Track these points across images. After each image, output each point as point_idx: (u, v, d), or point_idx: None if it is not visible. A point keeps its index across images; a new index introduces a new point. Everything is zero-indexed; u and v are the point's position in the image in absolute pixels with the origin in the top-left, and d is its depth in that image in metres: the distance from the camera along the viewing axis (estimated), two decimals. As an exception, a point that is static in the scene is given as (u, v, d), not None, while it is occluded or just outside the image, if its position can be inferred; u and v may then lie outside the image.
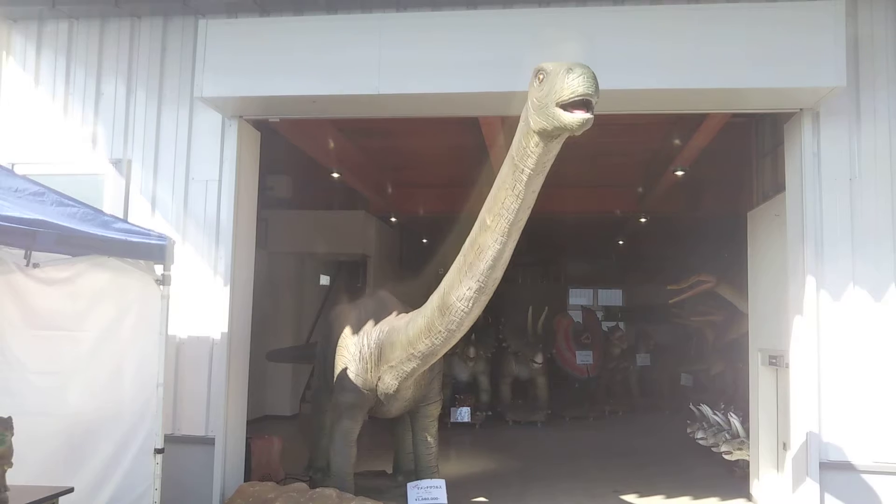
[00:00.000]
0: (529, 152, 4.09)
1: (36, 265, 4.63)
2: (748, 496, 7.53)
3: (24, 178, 4.69)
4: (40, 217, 4.19)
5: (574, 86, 3.55)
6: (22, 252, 4.22)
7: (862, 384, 5.79)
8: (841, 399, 5.81)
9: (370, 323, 6.42)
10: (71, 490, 4.45)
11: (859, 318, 5.86)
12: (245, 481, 6.59)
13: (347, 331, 6.55)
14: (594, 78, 3.57)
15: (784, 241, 6.32)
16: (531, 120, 3.91)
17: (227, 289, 6.47)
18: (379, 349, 6.17)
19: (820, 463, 5.78)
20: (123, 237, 4.91)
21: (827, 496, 5.76)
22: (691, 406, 9.42)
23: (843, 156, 6.05)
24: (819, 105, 6.02)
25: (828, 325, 5.89)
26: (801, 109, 6.10)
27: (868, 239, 5.92)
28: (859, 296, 5.88)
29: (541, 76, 3.80)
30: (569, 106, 3.61)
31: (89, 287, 5.10)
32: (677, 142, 9.36)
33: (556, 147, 4.05)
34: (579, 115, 3.60)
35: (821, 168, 6.06)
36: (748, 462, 7.69)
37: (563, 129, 3.73)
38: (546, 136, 3.91)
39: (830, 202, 6.00)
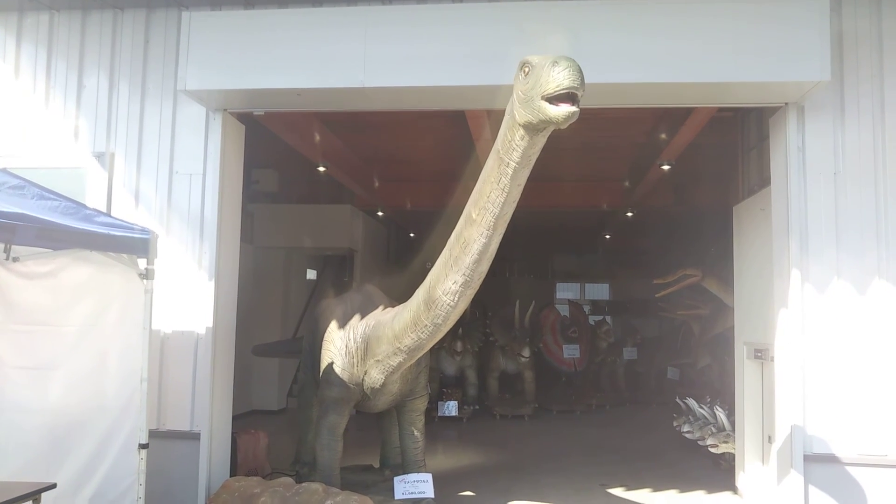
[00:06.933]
0: (515, 146, 4.07)
1: (16, 259, 4.59)
2: (734, 489, 7.58)
3: (3, 171, 4.61)
4: (20, 210, 4.14)
5: (560, 79, 3.52)
6: (1, 246, 4.17)
7: (846, 377, 5.83)
8: (825, 392, 5.85)
9: (356, 317, 6.40)
10: (53, 486, 4.41)
11: (843, 312, 5.89)
12: (231, 476, 6.55)
13: (334, 325, 6.52)
14: (580, 71, 3.54)
15: (769, 235, 6.34)
16: (516, 113, 3.89)
17: (212, 283, 6.42)
18: (365, 343, 6.15)
19: (804, 455, 5.81)
20: (106, 231, 4.85)
21: (811, 488, 5.80)
22: (677, 399, 9.47)
23: (827, 150, 6.07)
24: (804, 99, 6.05)
25: (812, 319, 5.92)
26: (786, 104, 6.12)
27: (852, 233, 5.95)
28: (843, 289, 5.91)
29: (526, 69, 3.77)
30: (554, 99, 3.59)
31: (71, 281, 5.06)
32: (663, 136, 9.37)
33: (541, 140, 4.04)
34: (565, 109, 3.58)
35: (805, 162, 6.08)
36: (734, 455, 7.74)
37: (549, 123, 3.71)
38: (531, 129, 3.89)
39: (815, 196, 6.03)
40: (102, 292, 5.22)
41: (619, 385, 15.25)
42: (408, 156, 11.78)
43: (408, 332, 5.47)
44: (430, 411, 10.36)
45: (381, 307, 6.42)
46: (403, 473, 6.65)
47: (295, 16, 6.29)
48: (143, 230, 5.20)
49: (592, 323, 15.88)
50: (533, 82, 3.66)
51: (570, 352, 14.31)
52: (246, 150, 7.09)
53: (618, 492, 7.61)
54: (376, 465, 7.64)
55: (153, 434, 5.46)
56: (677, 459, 9.17)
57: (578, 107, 3.61)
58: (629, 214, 13.97)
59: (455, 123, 8.60)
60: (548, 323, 14.63)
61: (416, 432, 6.80)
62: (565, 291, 22.90)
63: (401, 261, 16.94)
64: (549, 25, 5.81)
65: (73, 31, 6.93)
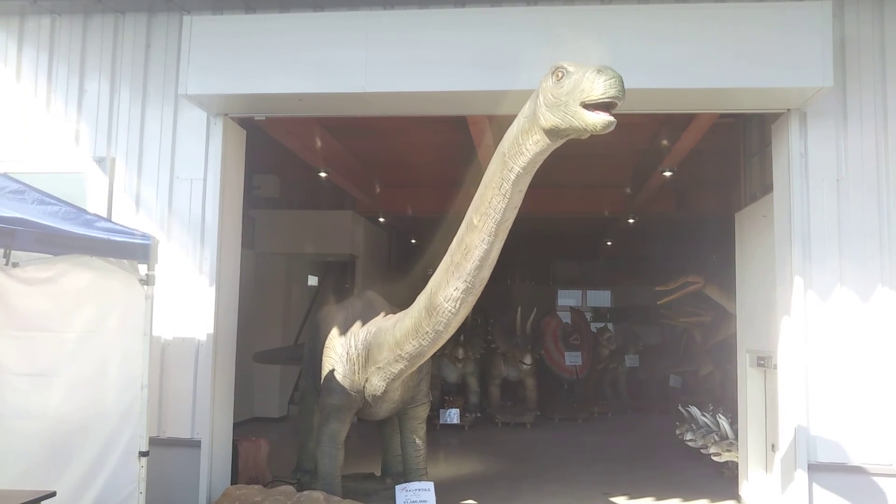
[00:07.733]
0: (525, 150, 4.05)
1: (16, 264, 4.56)
2: (737, 497, 7.53)
3: (3, 175, 4.60)
4: (20, 215, 4.12)
5: (605, 87, 3.52)
6: (0, 251, 4.15)
7: (850, 385, 5.79)
8: (829, 400, 5.81)
9: (358, 324, 6.37)
10: (53, 494, 4.37)
11: (847, 319, 5.86)
12: (231, 484, 6.52)
13: (335, 332, 6.50)
14: (623, 82, 3.55)
15: (772, 242, 6.32)
16: (542, 117, 3.85)
17: (213, 289, 6.40)
18: (366, 350, 6.13)
19: (808, 464, 5.77)
20: (106, 236, 4.84)
21: (815, 497, 5.76)
22: (680, 407, 9.42)
23: (830, 156, 6.06)
24: (806, 105, 6.03)
25: (815, 326, 5.89)
26: (788, 110, 6.11)
27: (855, 239, 5.92)
28: (846, 296, 5.88)
29: (559, 73, 3.74)
30: (591, 107, 3.59)
31: (72, 287, 5.03)
32: (665, 142, 9.37)
33: (553, 147, 4.02)
34: (604, 117, 3.58)
35: (808, 169, 6.06)
36: (737, 463, 7.70)
37: (581, 129, 3.69)
38: (554, 134, 3.87)
39: (818, 203, 6.01)
40: (103, 298, 5.19)
41: (622, 393, 15.19)
42: (409, 161, 11.79)
43: (409, 338, 5.44)
44: (432, 419, 10.32)
45: (382, 314, 6.39)
46: (405, 482, 6.62)
47: (296, 20, 6.28)
48: (144, 235, 5.18)
49: (594, 330, 15.83)
50: (570, 87, 3.64)
51: (572, 359, 14.27)
52: (247, 156, 7.09)
53: (620, 500, 7.57)
54: (378, 473, 7.60)
55: (153, 441, 5.43)
56: (680, 468, 9.12)
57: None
58: (631, 221, 13.96)
59: (456, 129, 8.60)
60: (549, 330, 14.60)
61: (417, 440, 6.77)
62: (567, 298, 22.84)
63: (402, 267, 16.92)
64: (550, 31, 5.80)
65: (74, 35, 6.93)
